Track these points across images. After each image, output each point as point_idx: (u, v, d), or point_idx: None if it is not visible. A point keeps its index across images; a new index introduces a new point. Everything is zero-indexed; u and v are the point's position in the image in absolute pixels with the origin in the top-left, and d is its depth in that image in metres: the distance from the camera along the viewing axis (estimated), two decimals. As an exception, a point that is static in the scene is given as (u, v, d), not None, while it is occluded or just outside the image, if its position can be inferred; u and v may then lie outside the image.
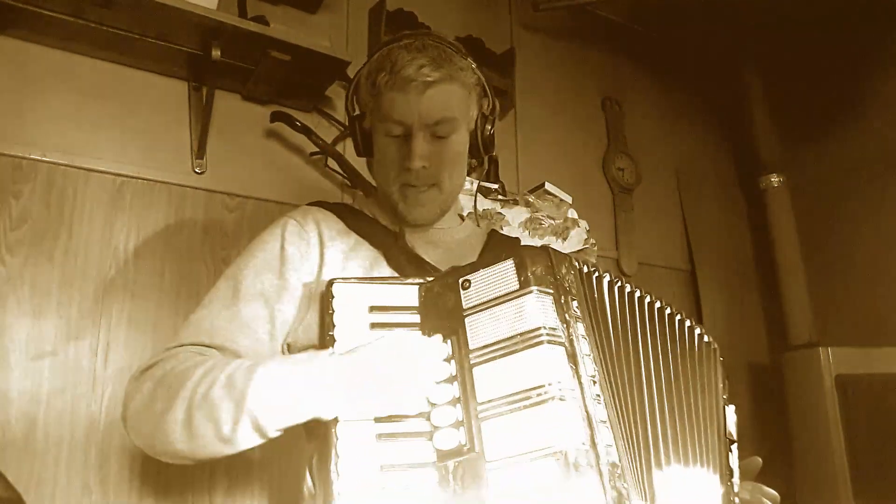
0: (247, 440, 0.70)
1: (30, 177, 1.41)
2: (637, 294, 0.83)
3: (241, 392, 0.69)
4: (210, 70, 1.51)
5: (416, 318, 0.76)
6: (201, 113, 1.57)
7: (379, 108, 0.93)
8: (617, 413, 0.71)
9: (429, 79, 0.89)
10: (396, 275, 0.89)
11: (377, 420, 0.69)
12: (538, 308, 0.69)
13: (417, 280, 0.79)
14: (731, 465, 0.83)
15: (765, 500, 0.88)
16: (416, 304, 0.77)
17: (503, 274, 0.72)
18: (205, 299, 0.87)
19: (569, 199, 2.06)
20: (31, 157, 1.41)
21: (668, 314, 0.85)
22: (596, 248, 2.07)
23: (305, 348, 0.86)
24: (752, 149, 2.62)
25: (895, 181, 2.35)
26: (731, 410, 0.91)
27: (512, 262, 0.73)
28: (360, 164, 1.78)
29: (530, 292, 0.70)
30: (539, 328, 0.68)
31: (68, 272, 1.41)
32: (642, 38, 2.56)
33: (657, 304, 0.84)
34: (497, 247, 1.04)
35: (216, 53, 1.46)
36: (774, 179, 2.53)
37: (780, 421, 2.14)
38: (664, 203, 2.57)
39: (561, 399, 0.64)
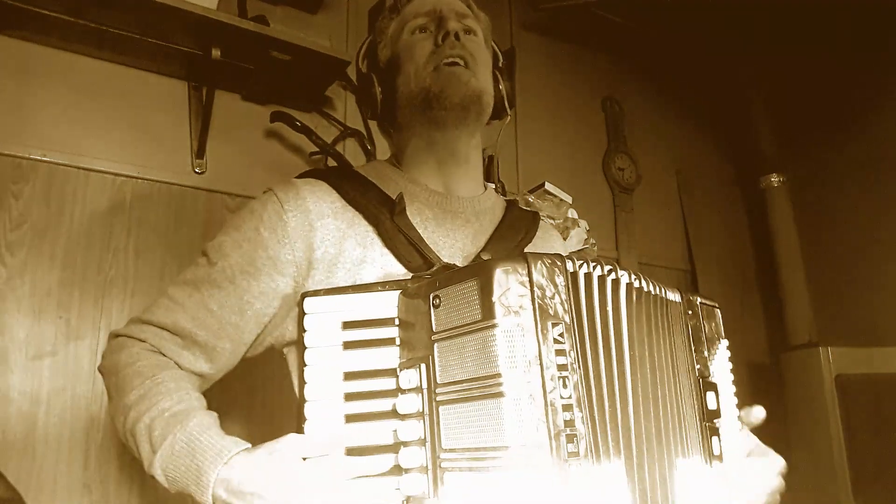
0: (160, 483, 0.72)
1: (30, 177, 1.41)
2: (625, 281, 0.70)
3: (154, 446, 0.70)
4: (210, 70, 1.51)
5: (395, 333, 0.69)
6: (201, 113, 1.57)
7: (403, 18, 0.93)
8: (603, 460, 0.61)
9: None
10: (391, 256, 0.82)
11: (349, 452, 0.67)
12: (503, 346, 0.58)
13: (398, 284, 0.71)
14: (715, 450, 0.76)
15: None
16: (396, 314, 0.70)
17: (469, 296, 0.61)
18: (186, 273, 0.84)
19: (569, 199, 2.06)
20: (31, 157, 1.41)
21: (661, 299, 0.76)
22: (596, 248, 2.07)
23: (292, 343, 0.85)
24: (752, 149, 2.62)
25: (895, 181, 2.35)
26: (723, 348, 0.83)
27: (476, 282, 0.61)
28: (360, 164, 1.78)
29: (494, 326, 0.59)
30: (498, 375, 0.58)
31: (68, 272, 1.41)
32: (642, 38, 2.56)
33: (653, 293, 0.74)
34: (512, 227, 0.95)
35: (216, 53, 1.46)
36: (774, 179, 2.53)
37: (780, 421, 2.14)
38: (664, 203, 2.57)
39: (524, 468, 0.56)
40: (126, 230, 1.49)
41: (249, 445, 0.68)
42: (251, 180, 1.65)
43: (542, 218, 1.06)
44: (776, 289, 2.50)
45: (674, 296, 0.79)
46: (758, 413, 0.84)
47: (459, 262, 0.84)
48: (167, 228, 1.54)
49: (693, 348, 0.79)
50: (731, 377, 0.85)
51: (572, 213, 2.06)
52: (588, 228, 2.07)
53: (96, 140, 1.50)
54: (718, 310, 0.86)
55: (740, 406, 0.85)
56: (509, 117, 1.00)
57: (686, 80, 2.71)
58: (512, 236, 0.93)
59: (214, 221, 1.60)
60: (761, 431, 0.87)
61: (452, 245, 0.87)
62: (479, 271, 0.61)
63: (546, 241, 1.01)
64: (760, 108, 2.60)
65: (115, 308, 1.44)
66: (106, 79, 1.54)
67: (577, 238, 2.01)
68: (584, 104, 2.47)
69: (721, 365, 0.83)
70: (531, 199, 1.97)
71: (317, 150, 1.69)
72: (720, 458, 0.76)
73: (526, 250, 0.94)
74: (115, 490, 1.36)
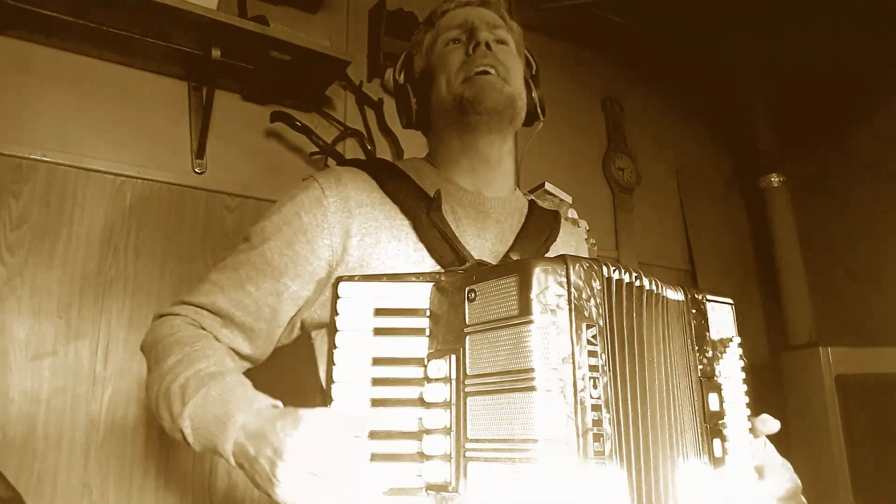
0: (186, 441, 0.72)
1: (30, 177, 1.41)
2: (647, 287, 0.71)
3: (186, 399, 0.70)
4: (210, 70, 1.51)
5: (426, 324, 0.70)
6: (201, 113, 1.57)
7: (437, 31, 0.96)
8: (627, 460, 0.62)
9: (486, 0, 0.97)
10: (424, 250, 0.84)
11: (372, 436, 0.68)
12: (537, 342, 0.59)
13: (431, 277, 0.73)
14: (716, 452, 0.75)
15: None
16: (427, 305, 0.71)
17: (506, 292, 0.63)
18: (228, 259, 0.86)
19: (569, 199, 2.06)
20: (31, 157, 1.41)
21: (665, 298, 0.76)
22: (596, 248, 2.07)
23: (320, 326, 0.86)
24: (752, 149, 2.62)
25: (894, 181, 2.35)
26: (734, 346, 0.82)
27: (516, 279, 0.62)
28: (360, 164, 1.78)
29: (530, 322, 0.60)
30: (532, 370, 0.59)
31: (68, 272, 1.41)
32: (642, 38, 2.57)
33: (659, 293, 0.74)
34: (537, 226, 0.97)
35: (216, 53, 1.46)
36: (774, 179, 2.53)
37: (780, 421, 2.14)
38: (664, 203, 2.57)
39: (549, 463, 0.57)
40: (126, 230, 1.49)
41: (282, 405, 0.69)
42: (251, 180, 1.65)
43: (565, 217, 1.08)
44: (776, 289, 2.50)
45: (676, 294, 0.78)
46: (772, 425, 0.84)
47: (489, 260, 0.86)
48: (167, 228, 1.54)
49: (696, 348, 0.79)
50: (742, 376, 0.84)
51: (572, 213, 2.06)
52: (588, 228, 2.07)
53: (96, 140, 1.50)
54: (731, 306, 0.86)
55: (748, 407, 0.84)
56: (542, 123, 1.02)
57: (686, 80, 2.71)
58: (537, 236, 0.96)
59: (214, 221, 1.60)
60: (748, 394, 0.85)
61: (482, 244, 0.90)
62: (518, 268, 0.63)
63: (567, 239, 1.04)
64: (760, 108, 2.60)
65: (115, 308, 1.44)
66: (106, 79, 1.54)
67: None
68: (584, 104, 2.47)
69: (730, 364, 0.82)
70: (531, 199, 1.97)
71: (317, 150, 1.69)
72: (722, 460, 0.76)
73: (551, 249, 0.97)
74: (115, 490, 1.36)
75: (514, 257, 0.87)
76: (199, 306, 0.82)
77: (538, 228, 0.97)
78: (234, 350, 0.82)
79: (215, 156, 1.62)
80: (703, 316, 0.81)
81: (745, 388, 0.84)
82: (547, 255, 0.94)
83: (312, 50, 1.54)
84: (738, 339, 0.84)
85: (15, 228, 1.38)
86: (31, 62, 1.46)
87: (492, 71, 0.89)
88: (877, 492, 1.97)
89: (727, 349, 0.83)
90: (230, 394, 0.69)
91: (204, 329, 0.81)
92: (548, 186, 2.03)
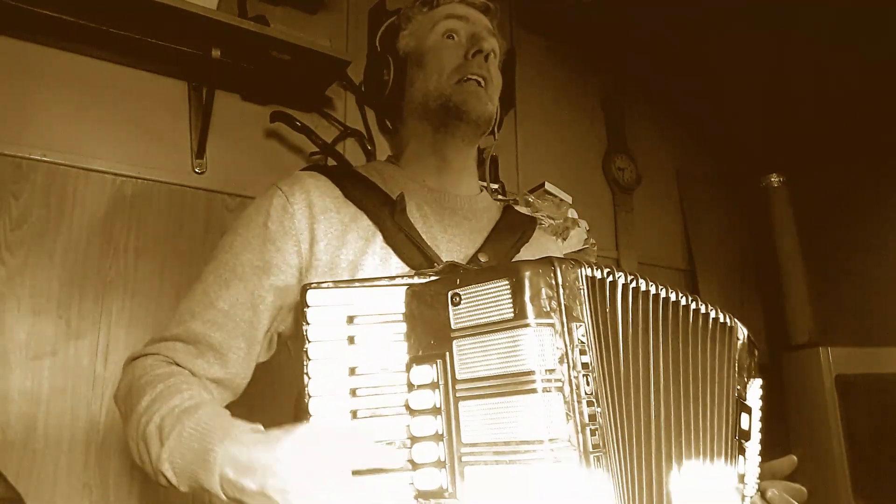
0: (171, 483, 0.68)
1: (30, 177, 1.41)
2: (652, 292, 0.72)
3: (163, 440, 0.67)
4: (210, 70, 1.51)
5: (402, 329, 0.68)
6: (201, 113, 1.57)
7: (434, 16, 0.94)
8: (620, 456, 0.64)
9: (489, 4, 0.97)
10: (392, 253, 0.83)
11: None
12: (534, 345, 0.60)
13: (404, 280, 0.70)
14: (740, 469, 0.77)
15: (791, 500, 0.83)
16: (403, 309, 0.69)
17: (497, 296, 0.63)
18: (194, 285, 0.84)
19: (569, 199, 2.06)
20: (31, 157, 1.41)
21: (685, 307, 0.76)
22: (596, 248, 2.07)
23: (293, 336, 0.85)
24: (752, 149, 2.62)
25: (895, 182, 2.35)
26: (756, 386, 0.84)
27: (507, 283, 0.62)
28: (359, 164, 1.78)
29: (526, 325, 0.60)
30: (532, 372, 0.59)
31: (68, 272, 1.41)
32: (642, 38, 2.57)
33: (672, 299, 0.75)
34: (508, 228, 0.97)
35: (216, 53, 1.46)
36: (774, 179, 2.53)
37: (780, 421, 2.14)
38: (664, 203, 2.57)
39: (554, 461, 0.58)
40: (126, 230, 1.49)
41: (262, 428, 0.66)
42: (251, 180, 1.65)
43: (540, 222, 1.08)
44: (776, 289, 2.50)
45: (726, 319, 0.81)
46: (791, 462, 0.87)
47: (457, 259, 0.85)
48: (167, 228, 1.54)
49: (737, 369, 0.81)
50: (760, 415, 0.86)
51: (572, 213, 2.06)
52: (588, 228, 2.07)
53: (96, 140, 1.50)
54: (757, 350, 0.88)
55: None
56: (494, 139, 1.05)
57: (686, 80, 2.71)
58: (508, 237, 0.95)
59: (214, 221, 1.60)
60: (762, 432, 0.87)
61: (450, 241, 0.89)
62: (509, 272, 0.63)
63: (542, 244, 1.02)
64: (760, 108, 2.60)
65: (115, 308, 1.44)
66: (106, 79, 1.54)
67: (577, 238, 2.01)
68: (584, 104, 2.47)
69: (754, 397, 0.84)
70: (531, 199, 1.97)
71: (317, 150, 1.69)
72: (743, 478, 0.77)
73: (522, 251, 0.96)
74: (115, 490, 1.36)
75: (483, 258, 0.88)
76: (172, 339, 0.79)
77: (510, 230, 0.97)
78: (212, 380, 0.79)
79: (215, 156, 1.62)
80: (745, 346, 0.84)
81: (760, 424, 0.86)
82: (517, 257, 0.94)
83: (312, 50, 1.54)
84: (760, 381, 0.87)
85: (15, 228, 1.38)
86: (30, 62, 1.46)
87: (482, 82, 0.90)
88: (877, 492, 1.97)
89: (752, 384, 0.85)
90: (205, 426, 0.66)
91: (178, 365, 0.78)
92: (548, 186, 2.03)
